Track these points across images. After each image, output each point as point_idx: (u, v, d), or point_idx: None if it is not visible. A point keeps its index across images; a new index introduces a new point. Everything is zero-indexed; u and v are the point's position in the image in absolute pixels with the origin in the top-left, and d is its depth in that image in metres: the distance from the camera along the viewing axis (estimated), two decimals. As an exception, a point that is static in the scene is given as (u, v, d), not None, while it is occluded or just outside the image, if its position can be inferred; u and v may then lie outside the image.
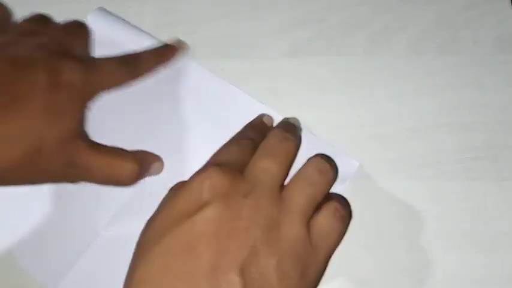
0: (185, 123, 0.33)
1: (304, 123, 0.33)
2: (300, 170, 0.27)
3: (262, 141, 0.28)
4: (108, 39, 0.35)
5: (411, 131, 0.33)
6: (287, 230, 0.24)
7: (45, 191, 0.31)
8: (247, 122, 0.32)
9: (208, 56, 0.35)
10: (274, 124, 0.32)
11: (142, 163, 0.29)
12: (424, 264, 0.29)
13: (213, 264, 0.22)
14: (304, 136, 0.30)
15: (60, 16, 0.38)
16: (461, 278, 0.29)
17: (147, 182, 0.31)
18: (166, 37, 0.36)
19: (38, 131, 0.26)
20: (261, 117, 0.32)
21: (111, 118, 0.31)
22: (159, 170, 0.31)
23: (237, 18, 0.37)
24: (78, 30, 0.32)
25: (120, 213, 0.31)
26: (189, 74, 0.34)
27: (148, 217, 0.26)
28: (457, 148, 0.32)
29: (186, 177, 0.26)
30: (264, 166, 0.25)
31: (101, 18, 0.36)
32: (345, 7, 0.37)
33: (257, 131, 0.30)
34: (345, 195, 0.31)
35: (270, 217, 0.24)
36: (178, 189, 0.25)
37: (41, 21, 0.31)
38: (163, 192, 0.27)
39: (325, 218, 0.25)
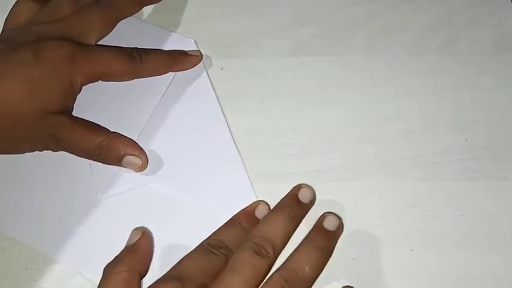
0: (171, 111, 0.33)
1: (303, 124, 0.33)
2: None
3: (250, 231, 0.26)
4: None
5: (411, 131, 0.33)
6: None
7: (37, 160, 0.31)
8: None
9: (208, 56, 0.35)
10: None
11: (111, 142, 0.29)
12: (424, 264, 0.29)
13: None
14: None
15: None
16: (461, 278, 0.29)
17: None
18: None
19: (15, 102, 0.27)
20: (254, 206, 0.28)
21: (99, 104, 0.32)
22: (137, 167, 0.29)
23: (237, 18, 0.37)
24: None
25: (117, 176, 0.31)
26: None
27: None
28: (457, 148, 0.32)
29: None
30: (229, 285, 0.23)
31: None
32: (345, 7, 0.37)
33: (242, 228, 0.27)
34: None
35: None
36: None
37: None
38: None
39: None
